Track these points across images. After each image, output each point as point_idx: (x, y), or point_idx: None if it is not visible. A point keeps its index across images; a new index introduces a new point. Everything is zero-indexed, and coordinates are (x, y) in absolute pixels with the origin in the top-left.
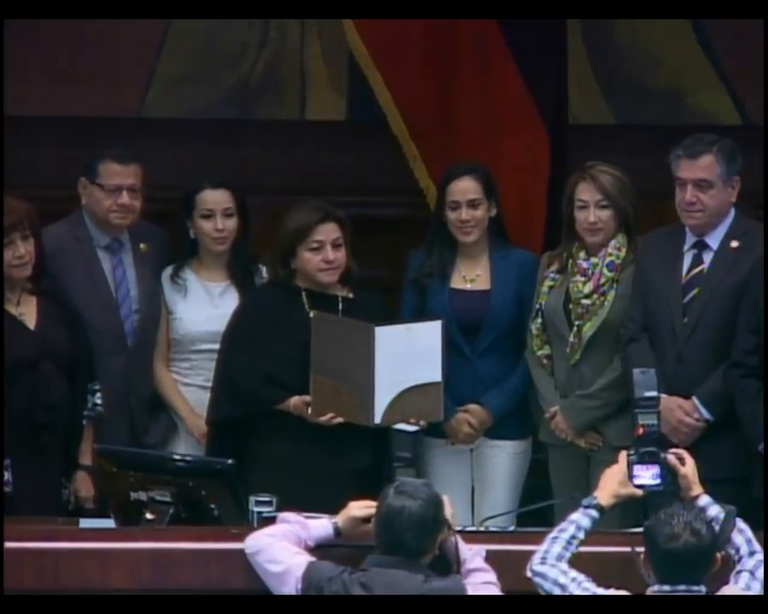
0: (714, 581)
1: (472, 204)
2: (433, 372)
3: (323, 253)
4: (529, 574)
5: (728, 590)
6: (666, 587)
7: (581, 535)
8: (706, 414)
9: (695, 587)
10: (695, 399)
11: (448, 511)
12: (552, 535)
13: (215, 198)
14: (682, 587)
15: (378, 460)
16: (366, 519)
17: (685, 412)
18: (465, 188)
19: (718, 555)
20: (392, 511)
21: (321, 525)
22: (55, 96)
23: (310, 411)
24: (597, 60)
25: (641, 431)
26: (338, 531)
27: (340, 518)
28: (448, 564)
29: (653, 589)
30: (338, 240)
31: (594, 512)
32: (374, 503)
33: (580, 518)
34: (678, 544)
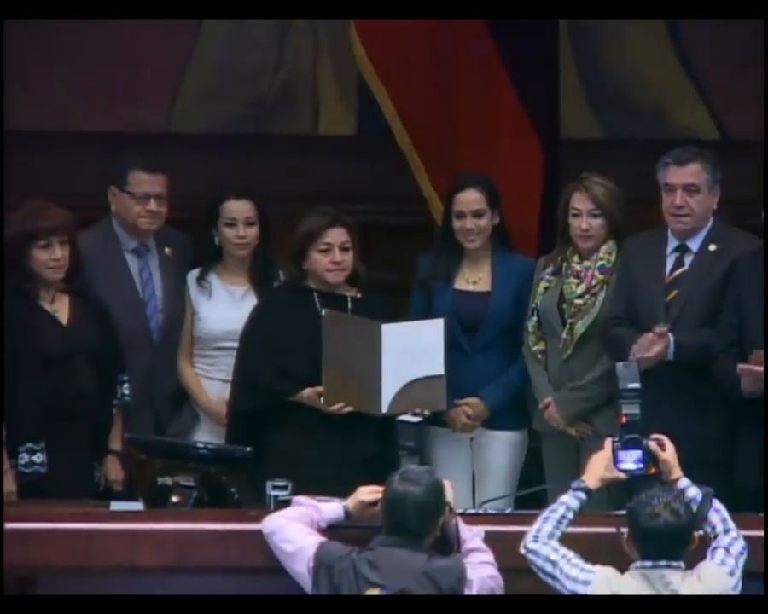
0: (692, 558)
1: (476, 214)
2: (436, 366)
3: (332, 255)
4: (522, 551)
5: (704, 566)
6: (648, 563)
7: (570, 516)
8: (671, 354)
9: (675, 563)
10: (670, 335)
11: (449, 494)
12: (544, 515)
13: (238, 207)
14: (662, 563)
15: (384, 448)
16: (373, 503)
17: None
18: (470, 198)
19: (696, 534)
20: (397, 496)
21: (332, 508)
22: (88, 113)
23: (322, 401)
24: (587, 78)
25: (624, 419)
26: (348, 514)
27: (350, 502)
28: (450, 545)
29: (635, 565)
30: (346, 243)
31: (582, 495)
32: (380, 488)
33: (569, 500)
34: (659, 522)
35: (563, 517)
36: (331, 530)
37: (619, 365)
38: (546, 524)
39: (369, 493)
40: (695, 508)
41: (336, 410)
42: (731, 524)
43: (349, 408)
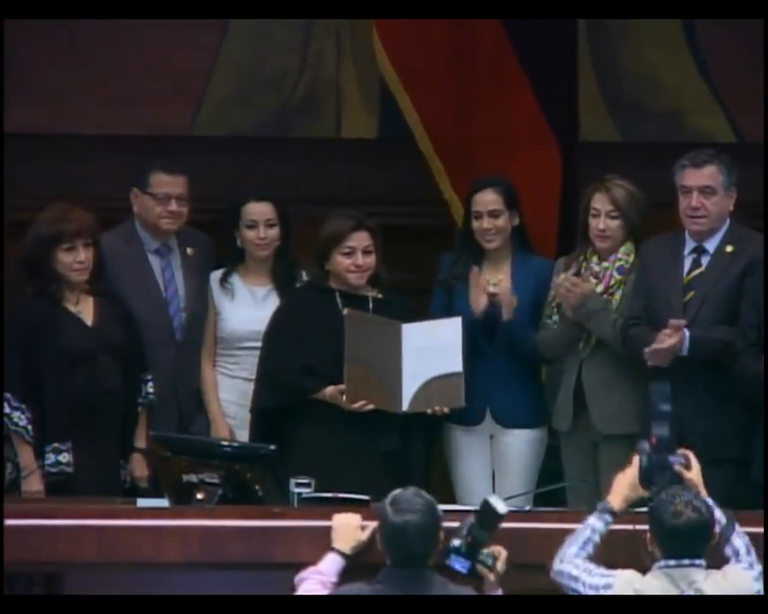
0: (713, 554)
1: (493, 214)
2: (454, 364)
3: (354, 258)
4: (552, 576)
5: (731, 567)
6: (672, 562)
7: (596, 538)
8: (686, 349)
9: (698, 561)
10: (685, 331)
11: (500, 566)
12: (570, 538)
13: (258, 209)
14: (686, 561)
15: (405, 443)
16: (361, 527)
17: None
18: (487, 199)
19: (716, 529)
20: (396, 528)
21: (330, 561)
22: (118, 117)
23: (344, 398)
24: (605, 83)
25: (654, 440)
26: (344, 555)
27: (338, 543)
28: None
29: (658, 565)
30: (368, 247)
31: (608, 516)
32: (354, 515)
33: (595, 522)
34: (682, 520)
35: (589, 539)
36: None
37: (653, 385)
38: (571, 547)
39: (347, 519)
40: (718, 530)
41: (358, 408)
42: (753, 551)
43: (370, 406)
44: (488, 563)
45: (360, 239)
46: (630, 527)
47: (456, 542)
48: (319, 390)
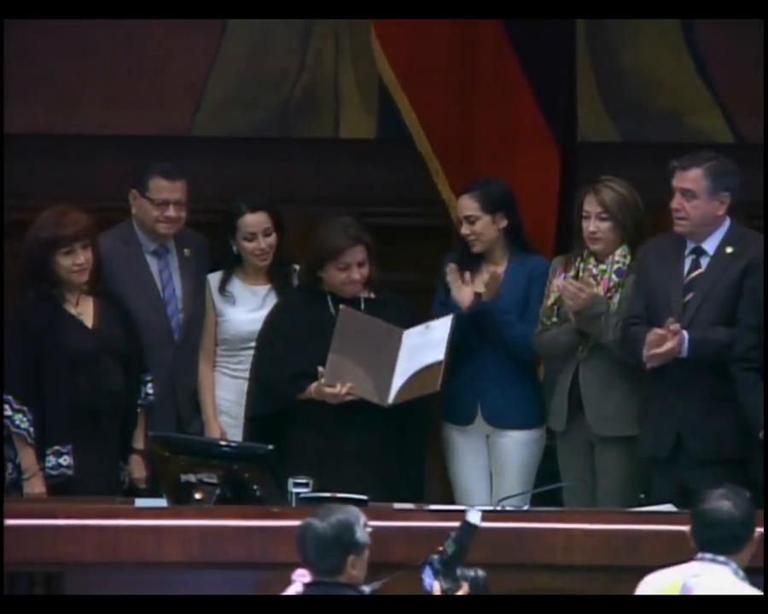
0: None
1: (468, 219)
2: (438, 354)
3: (350, 272)
4: None
5: None
6: (702, 555)
7: None
8: (685, 350)
9: (720, 558)
10: (684, 333)
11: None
12: None
13: (255, 220)
14: (708, 556)
15: (397, 443)
16: None
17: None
18: (462, 205)
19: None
20: (300, 529)
21: None
22: (118, 117)
23: (322, 381)
24: (604, 83)
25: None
26: None
27: None
28: None
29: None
30: (363, 260)
31: None
32: None
33: None
34: (716, 510)
35: None
36: None
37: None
38: None
39: None
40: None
41: (335, 393)
42: None
43: (351, 392)
44: (448, 589)
45: (356, 254)
46: (630, 526)
47: (434, 556)
48: (305, 390)
